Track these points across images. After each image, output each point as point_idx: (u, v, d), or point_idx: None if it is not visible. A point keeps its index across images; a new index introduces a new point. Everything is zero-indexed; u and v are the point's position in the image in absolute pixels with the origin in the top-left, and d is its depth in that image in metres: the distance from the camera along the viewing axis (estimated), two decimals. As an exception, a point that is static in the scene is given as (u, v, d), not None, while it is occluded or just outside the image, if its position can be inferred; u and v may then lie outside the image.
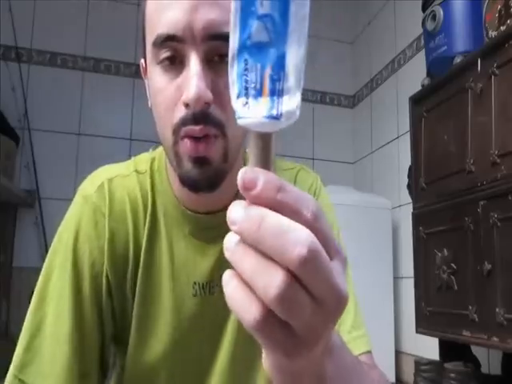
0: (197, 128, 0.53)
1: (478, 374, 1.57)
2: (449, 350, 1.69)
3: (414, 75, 2.35)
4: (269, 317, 0.27)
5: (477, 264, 1.38)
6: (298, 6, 0.28)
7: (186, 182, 0.57)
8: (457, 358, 1.61)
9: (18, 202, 2.46)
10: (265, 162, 0.30)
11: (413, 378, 1.74)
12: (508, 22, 1.44)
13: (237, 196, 0.61)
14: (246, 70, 0.29)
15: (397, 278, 2.46)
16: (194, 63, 0.53)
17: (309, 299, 0.27)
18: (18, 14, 2.55)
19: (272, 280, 0.26)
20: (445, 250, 1.55)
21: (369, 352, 0.63)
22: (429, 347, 1.96)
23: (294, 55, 0.29)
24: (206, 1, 0.53)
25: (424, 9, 1.83)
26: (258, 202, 0.27)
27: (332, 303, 0.28)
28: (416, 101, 1.79)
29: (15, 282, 2.43)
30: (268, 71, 0.29)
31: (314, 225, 0.27)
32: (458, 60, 1.60)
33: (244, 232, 0.27)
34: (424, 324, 1.66)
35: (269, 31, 0.29)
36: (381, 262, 2.38)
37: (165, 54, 0.54)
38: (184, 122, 0.53)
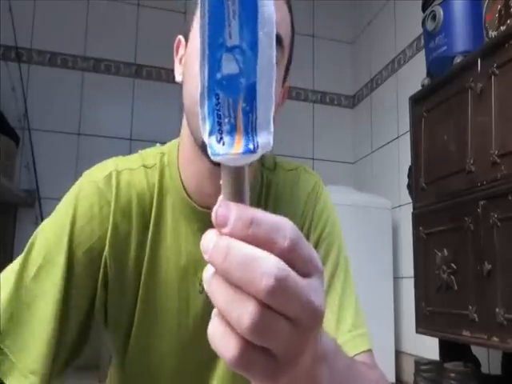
0: None
1: (478, 374, 1.57)
2: (449, 349, 1.69)
3: (414, 75, 2.35)
4: (247, 350, 0.27)
5: (477, 264, 1.38)
6: (266, 33, 0.28)
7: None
8: (457, 358, 1.61)
9: (18, 202, 2.46)
10: (238, 195, 0.30)
11: (413, 378, 1.74)
12: (508, 21, 1.44)
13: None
14: (217, 104, 0.29)
15: (397, 278, 2.46)
16: None
17: (284, 322, 0.27)
18: (17, 14, 2.55)
19: (244, 311, 0.26)
20: (445, 250, 1.55)
21: (369, 351, 0.63)
22: (429, 347, 1.96)
23: (265, 82, 0.29)
24: None
25: (424, 9, 1.83)
26: (232, 237, 0.27)
27: (308, 321, 0.28)
28: (416, 101, 1.79)
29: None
30: (241, 104, 0.28)
31: (290, 252, 0.27)
32: (458, 60, 1.60)
33: (214, 262, 0.27)
34: (424, 324, 1.66)
35: (238, 62, 0.28)
36: (381, 262, 2.37)
37: None
38: None
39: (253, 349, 0.28)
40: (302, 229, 0.67)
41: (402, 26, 2.63)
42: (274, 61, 0.29)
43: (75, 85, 2.73)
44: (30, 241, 0.61)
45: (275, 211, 0.71)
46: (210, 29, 0.28)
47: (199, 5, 0.28)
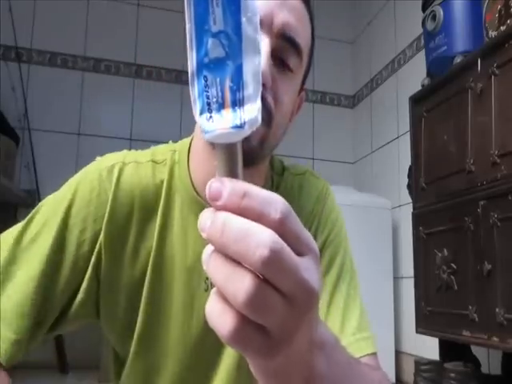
0: None
1: (478, 374, 1.57)
2: (449, 349, 1.69)
3: (414, 75, 2.35)
4: (243, 325, 0.28)
5: (477, 264, 1.38)
6: (249, 18, 0.30)
7: None
8: (457, 358, 1.61)
9: (18, 202, 2.46)
10: (232, 171, 0.31)
11: (413, 378, 1.74)
12: (508, 21, 1.44)
13: None
14: (206, 86, 0.31)
15: (397, 278, 2.46)
16: (265, 45, 0.55)
17: (279, 297, 0.28)
18: (17, 14, 2.55)
19: (240, 285, 0.27)
20: (445, 250, 1.55)
21: (373, 354, 0.63)
22: (429, 347, 1.96)
23: (251, 64, 0.30)
24: (289, 6, 0.58)
25: (424, 9, 1.84)
26: (225, 209, 0.28)
27: (302, 298, 0.29)
28: (416, 101, 1.79)
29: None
30: (228, 83, 0.30)
31: (282, 225, 0.28)
32: (458, 60, 1.60)
33: (211, 239, 0.29)
34: (424, 324, 1.66)
35: (224, 46, 0.30)
36: (381, 262, 2.37)
37: None
38: None
39: (248, 324, 0.28)
40: (309, 231, 0.68)
41: (402, 25, 2.63)
42: (260, 44, 0.31)
43: (75, 85, 2.73)
44: (34, 210, 0.64)
45: None
46: (196, 16, 0.30)
47: None
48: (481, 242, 1.37)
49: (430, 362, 1.68)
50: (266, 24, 0.56)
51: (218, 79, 0.30)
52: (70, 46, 2.74)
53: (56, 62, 2.72)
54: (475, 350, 1.68)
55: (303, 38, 0.61)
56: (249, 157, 0.57)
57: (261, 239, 0.27)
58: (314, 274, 0.30)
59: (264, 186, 0.68)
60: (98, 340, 2.28)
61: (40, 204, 0.65)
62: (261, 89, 0.31)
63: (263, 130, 0.57)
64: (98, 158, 0.67)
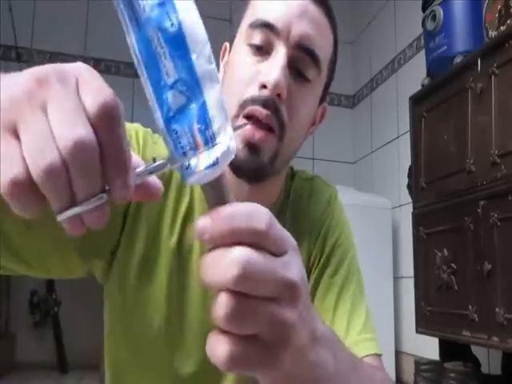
0: (264, 111, 0.54)
1: (478, 373, 1.57)
2: (449, 349, 1.69)
3: (414, 75, 2.35)
4: (236, 344, 0.29)
5: (477, 264, 1.38)
6: (199, 52, 0.30)
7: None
8: (457, 357, 1.61)
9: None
10: (221, 205, 0.31)
11: (413, 378, 1.74)
12: (508, 21, 1.44)
13: None
14: (177, 138, 0.30)
15: (397, 278, 2.46)
16: (282, 55, 0.56)
17: (259, 302, 0.29)
18: (17, 14, 2.55)
19: (219, 305, 0.28)
20: (445, 250, 1.55)
21: (376, 355, 0.63)
22: (429, 347, 1.96)
23: (212, 96, 0.30)
24: (309, 16, 0.58)
25: (424, 9, 1.84)
26: (214, 242, 0.29)
27: (287, 294, 0.30)
28: (416, 101, 1.79)
29: (15, 282, 2.43)
30: (195, 127, 0.30)
31: (268, 234, 0.29)
32: (458, 60, 1.60)
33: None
34: (424, 324, 1.66)
35: (183, 92, 0.30)
36: (381, 262, 2.38)
37: (257, 38, 0.58)
38: (254, 100, 0.55)
39: (241, 341, 0.29)
40: (319, 233, 0.68)
41: (402, 25, 2.63)
42: (215, 68, 0.30)
43: (75, 85, 2.73)
44: None
45: (293, 218, 0.68)
46: (150, 77, 0.31)
47: (135, 61, 0.31)
48: (481, 242, 1.37)
49: (430, 362, 1.68)
50: (284, 34, 0.56)
51: (186, 127, 0.30)
52: (69, 45, 2.74)
53: (56, 62, 2.72)
54: (475, 349, 1.68)
55: (323, 49, 0.60)
56: (259, 173, 0.57)
57: (230, 259, 0.28)
58: (294, 267, 0.30)
59: (279, 194, 0.68)
60: (98, 340, 2.28)
61: None
62: (229, 114, 0.31)
63: (275, 145, 0.56)
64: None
